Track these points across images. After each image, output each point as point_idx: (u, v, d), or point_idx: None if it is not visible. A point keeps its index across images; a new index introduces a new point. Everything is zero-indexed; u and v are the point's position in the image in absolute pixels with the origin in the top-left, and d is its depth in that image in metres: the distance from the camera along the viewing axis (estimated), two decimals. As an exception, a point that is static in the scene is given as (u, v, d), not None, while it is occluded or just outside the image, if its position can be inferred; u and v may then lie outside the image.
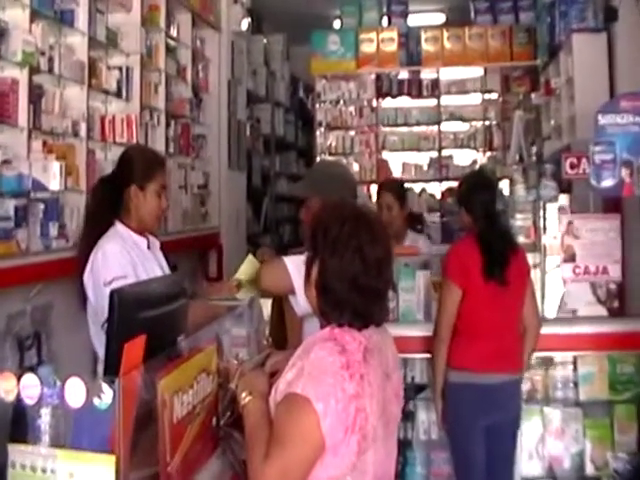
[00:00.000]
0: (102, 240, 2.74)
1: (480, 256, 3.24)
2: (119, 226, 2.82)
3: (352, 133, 8.98)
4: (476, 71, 8.75)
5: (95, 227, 2.80)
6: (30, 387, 1.42)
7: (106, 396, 1.36)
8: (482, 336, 3.25)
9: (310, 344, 1.77)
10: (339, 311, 1.78)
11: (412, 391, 3.76)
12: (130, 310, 1.69)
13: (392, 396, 1.84)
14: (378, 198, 4.48)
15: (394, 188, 4.51)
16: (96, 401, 1.37)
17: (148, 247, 2.91)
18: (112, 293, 1.71)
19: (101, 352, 2.66)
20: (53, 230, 4.18)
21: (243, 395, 1.85)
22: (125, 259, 2.70)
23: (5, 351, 3.79)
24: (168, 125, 6.04)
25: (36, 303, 4.04)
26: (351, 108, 8.95)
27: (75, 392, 1.37)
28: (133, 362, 1.47)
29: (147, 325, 1.67)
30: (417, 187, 8.56)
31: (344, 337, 1.75)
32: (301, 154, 10.90)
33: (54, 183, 4.05)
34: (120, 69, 5.24)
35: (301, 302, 2.60)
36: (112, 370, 1.57)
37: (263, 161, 9.21)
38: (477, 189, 3.42)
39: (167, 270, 2.99)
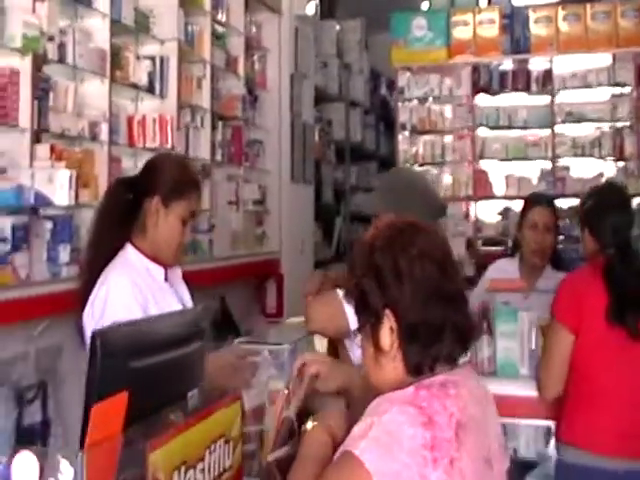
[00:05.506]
0: (109, 269, 2.62)
1: (605, 293, 2.95)
2: (130, 250, 2.68)
3: (443, 138, 8.79)
4: (602, 59, 8.44)
5: (105, 245, 2.67)
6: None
7: (64, 477, 1.21)
8: (602, 403, 2.94)
9: (387, 400, 1.55)
10: (439, 335, 1.61)
11: (516, 469, 3.43)
12: (117, 358, 1.50)
13: None
14: (527, 214, 4.00)
15: (552, 204, 4.10)
16: (51, 484, 1.22)
17: (166, 279, 2.76)
18: (93, 335, 1.51)
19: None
20: (63, 255, 4.11)
21: (309, 422, 1.81)
22: (135, 301, 2.56)
23: (-1, 406, 3.72)
24: (214, 128, 6.02)
25: (40, 345, 3.96)
26: (442, 107, 8.74)
27: (24, 472, 1.22)
28: (108, 429, 1.31)
29: (144, 377, 1.52)
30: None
31: (432, 404, 1.52)
32: (383, 164, 10.74)
33: (60, 196, 3.99)
34: (152, 59, 5.23)
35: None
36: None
37: (335, 172, 9.20)
38: (609, 208, 3.18)
39: (190, 306, 2.84)
